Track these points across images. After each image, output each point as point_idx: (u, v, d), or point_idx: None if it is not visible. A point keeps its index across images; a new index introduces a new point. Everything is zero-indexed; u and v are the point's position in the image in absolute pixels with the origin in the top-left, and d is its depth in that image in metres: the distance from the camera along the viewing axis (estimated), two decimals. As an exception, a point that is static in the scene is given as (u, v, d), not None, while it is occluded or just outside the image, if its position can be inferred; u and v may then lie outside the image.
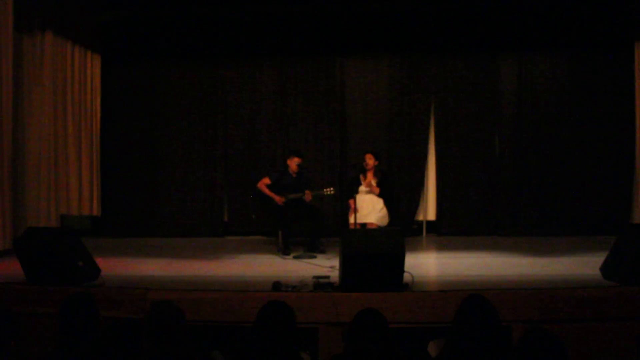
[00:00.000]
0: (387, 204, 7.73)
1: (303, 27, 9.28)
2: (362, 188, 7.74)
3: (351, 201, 7.51)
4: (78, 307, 3.27)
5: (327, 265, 6.40)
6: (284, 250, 7.39)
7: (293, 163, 7.78)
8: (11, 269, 5.83)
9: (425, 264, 7.02)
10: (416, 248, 7.96)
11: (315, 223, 7.66)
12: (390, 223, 7.71)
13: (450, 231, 9.10)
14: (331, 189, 7.68)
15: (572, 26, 8.94)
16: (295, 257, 7.13)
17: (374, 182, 7.72)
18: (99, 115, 9.08)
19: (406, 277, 5.12)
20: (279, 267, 6.65)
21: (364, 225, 7.54)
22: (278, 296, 4.57)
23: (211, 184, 9.47)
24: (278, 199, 7.60)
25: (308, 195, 7.56)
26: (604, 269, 5.43)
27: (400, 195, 9.05)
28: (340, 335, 4.45)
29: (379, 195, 7.69)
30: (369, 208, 7.64)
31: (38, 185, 7.97)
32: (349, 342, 3.04)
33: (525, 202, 9.03)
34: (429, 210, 9.32)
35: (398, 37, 9.19)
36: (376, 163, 7.80)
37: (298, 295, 4.90)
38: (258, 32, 9.32)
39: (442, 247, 8.41)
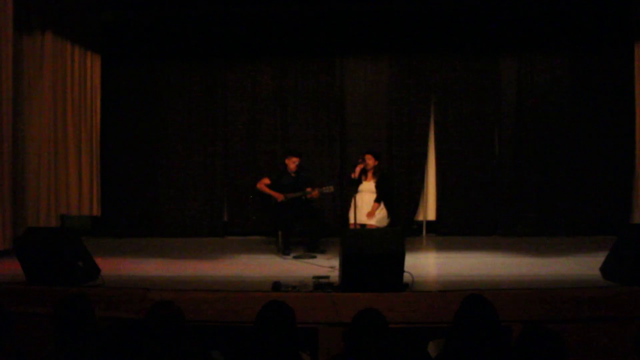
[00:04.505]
0: (387, 204, 7.73)
1: (303, 27, 9.28)
2: (363, 187, 7.74)
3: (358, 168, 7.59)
4: (73, 308, 3.27)
5: (327, 265, 6.40)
6: (284, 250, 7.39)
7: (291, 162, 7.78)
8: (11, 269, 5.83)
9: (425, 264, 7.02)
10: (416, 248, 7.96)
11: (315, 223, 7.66)
12: (391, 224, 7.71)
13: (450, 231, 9.10)
14: (330, 187, 7.69)
15: (572, 26, 8.94)
16: (295, 257, 7.13)
17: (373, 185, 7.73)
18: (99, 115, 9.08)
19: (406, 277, 5.12)
20: (279, 267, 6.65)
21: (364, 225, 7.54)
22: (278, 296, 4.58)
23: (211, 184, 9.46)
24: (278, 195, 7.60)
25: (315, 192, 7.56)
26: (604, 269, 5.43)
27: (400, 195, 9.05)
28: (340, 335, 4.44)
29: (378, 198, 7.69)
30: (369, 209, 7.65)
31: (38, 185, 7.96)
32: (348, 342, 3.04)
33: (525, 202, 9.02)
34: (429, 210, 9.30)
35: (398, 37, 9.19)
36: (376, 163, 7.80)
37: (298, 295, 4.90)
38: (258, 32, 9.32)
39: (442, 247, 8.41)
